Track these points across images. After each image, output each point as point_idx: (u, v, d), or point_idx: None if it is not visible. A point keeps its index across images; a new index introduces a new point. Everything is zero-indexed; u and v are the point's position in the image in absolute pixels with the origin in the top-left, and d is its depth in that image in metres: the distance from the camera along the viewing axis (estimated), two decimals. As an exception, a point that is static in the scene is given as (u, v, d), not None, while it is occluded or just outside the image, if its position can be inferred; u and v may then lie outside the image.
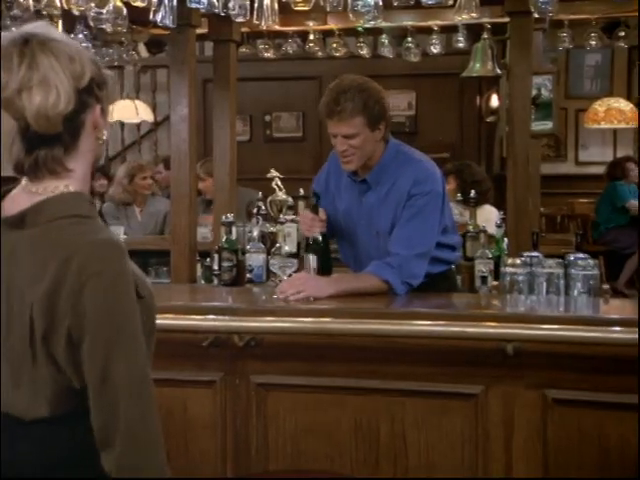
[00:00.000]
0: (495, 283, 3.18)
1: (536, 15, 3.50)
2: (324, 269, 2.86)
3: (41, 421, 1.40)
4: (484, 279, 3.21)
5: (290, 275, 2.89)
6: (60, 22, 4.05)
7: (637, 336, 2.19)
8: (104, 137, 1.50)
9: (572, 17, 4.59)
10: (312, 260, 2.84)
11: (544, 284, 2.84)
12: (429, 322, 2.40)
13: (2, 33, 1.42)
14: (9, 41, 1.39)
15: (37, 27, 1.42)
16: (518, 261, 2.88)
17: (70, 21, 4.19)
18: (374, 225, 2.82)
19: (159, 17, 3.49)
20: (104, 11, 3.60)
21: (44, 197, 1.42)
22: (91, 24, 3.76)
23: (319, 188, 2.99)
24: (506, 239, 3.61)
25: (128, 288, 1.37)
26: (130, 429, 1.35)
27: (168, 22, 3.47)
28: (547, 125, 4.28)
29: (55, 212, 1.41)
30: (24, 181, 1.46)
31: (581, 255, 2.95)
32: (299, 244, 3.32)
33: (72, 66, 1.40)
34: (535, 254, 2.93)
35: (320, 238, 2.87)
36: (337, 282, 2.70)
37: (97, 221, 1.45)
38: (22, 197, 1.44)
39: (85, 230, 1.40)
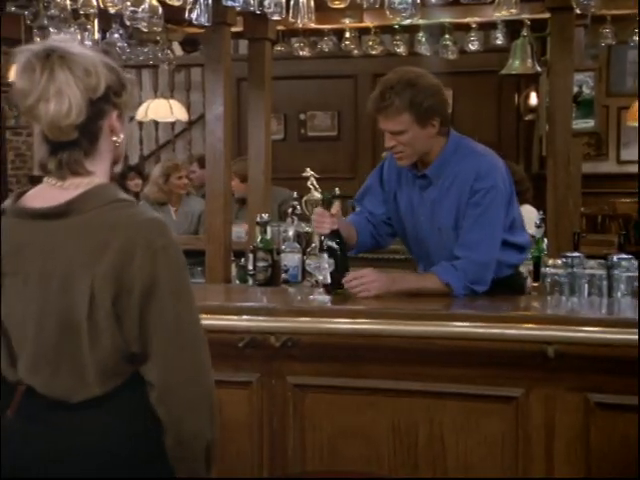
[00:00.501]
0: (535, 284, 3.16)
1: (577, 11, 3.47)
2: (339, 269, 2.75)
3: (90, 401, 1.56)
4: (524, 280, 3.18)
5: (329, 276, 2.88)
6: (96, 21, 4.10)
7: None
8: (120, 139, 1.67)
9: (614, 12, 4.53)
10: (326, 261, 2.75)
11: (586, 285, 2.82)
12: (468, 324, 2.40)
13: (28, 45, 1.61)
14: (33, 54, 1.57)
15: (59, 41, 1.60)
16: (559, 262, 2.86)
17: (106, 20, 4.24)
18: (436, 221, 2.77)
19: (194, 15, 3.52)
20: (139, 10, 3.65)
21: (84, 189, 1.59)
22: (127, 23, 3.80)
23: (373, 183, 2.96)
24: (546, 239, 3.59)
25: (184, 258, 1.62)
26: (197, 373, 1.58)
27: (203, 20, 3.50)
28: (588, 123, 4.24)
29: (101, 199, 1.59)
30: (47, 179, 1.63)
31: (624, 256, 2.92)
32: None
33: (87, 79, 1.57)
34: (576, 255, 2.91)
35: (334, 244, 2.76)
36: (399, 281, 2.72)
37: (138, 203, 1.67)
38: (52, 192, 1.61)
39: (135, 212, 1.61)
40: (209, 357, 1.62)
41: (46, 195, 1.62)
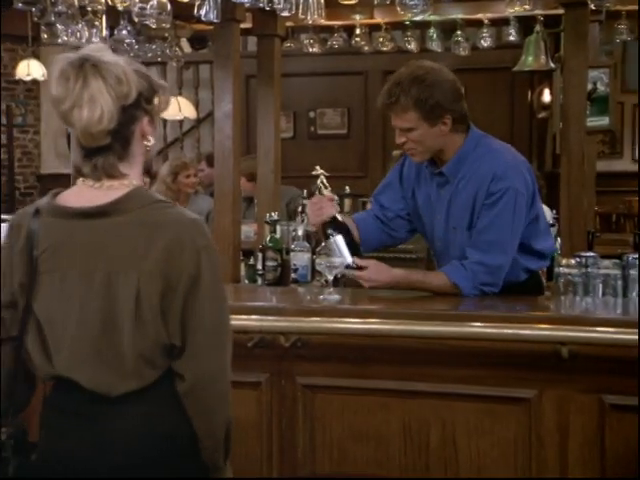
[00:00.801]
0: (548, 284, 3.15)
1: (592, 6, 3.46)
2: (353, 251, 2.72)
3: (128, 395, 1.66)
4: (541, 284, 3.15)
5: (337, 275, 2.88)
6: (104, 18, 4.11)
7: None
8: (151, 143, 1.77)
9: (629, 8, 4.51)
10: (339, 241, 2.69)
11: (600, 285, 2.80)
12: (480, 324, 2.39)
13: (63, 54, 1.71)
14: (68, 63, 1.68)
15: (93, 50, 1.70)
16: (573, 262, 2.85)
17: (114, 16, 4.25)
18: (451, 220, 2.74)
19: (203, 12, 3.52)
20: (148, 6, 3.65)
21: (126, 190, 1.70)
22: (135, 19, 3.81)
23: (393, 179, 2.95)
24: (559, 239, 3.57)
25: (218, 256, 1.76)
26: (224, 370, 1.72)
27: (212, 17, 3.51)
28: (603, 121, 4.23)
29: (143, 200, 1.71)
30: (84, 181, 1.73)
31: (640, 255, 2.91)
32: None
33: (119, 87, 1.66)
34: (591, 254, 2.89)
35: (338, 216, 2.73)
36: (405, 275, 2.72)
37: (175, 204, 1.79)
38: (89, 193, 1.71)
39: (178, 212, 1.73)
40: (231, 355, 1.74)
41: (84, 195, 1.71)
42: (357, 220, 2.97)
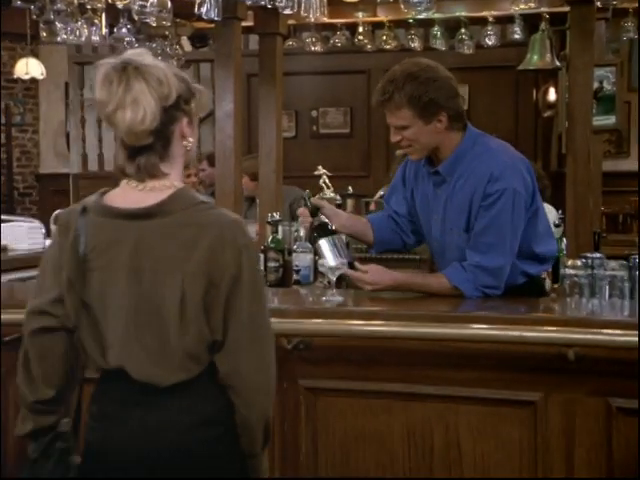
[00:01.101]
0: (554, 286, 3.15)
1: (598, 4, 3.46)
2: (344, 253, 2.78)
3: (176, 385, 1.77)
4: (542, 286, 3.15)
5: (340, 277, 2.89)
6: (103, 16, 4.12)
7: None
8: (190, 144, 1.87)
9: (636, 5, 4.51)
10: (322, 244, 2.78)
11: (607, 287, 2.79)
12: (485, 326, 2.39)
13: (105, 60, 1.80)
14: (110, 67, 1.77)
15: (134, 54, 1.80)
16: (579, 263, 2.84)
17: (113, 14, 4.25)
18: (447, 221, 2.73)
19: (204, 10, 3.53)
20: (148, 4, 3.66)
21: (170, 192, 1.80)
22: (135, 17, 3.82)
23: (397, 181, 2.95)
24: (565, 240, 3.57)
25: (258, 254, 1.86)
26: (264, 363, 1.84)
27: (213, 15, 3.52)
28: (609, 120, 4.22)
29: (187, 201, 1.81)
30: (127, 182, 1.83)
31: (646, 256, 2.90)
32: (348, 244, 3.29)
33: (160, 88, 1.77)
34: (597, 255, 2.88)
35: (324, 220, 2.83)
36: (404, 278, 2.72)
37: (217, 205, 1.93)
38: (134, 194, 1.81)
39: (220, 213, 1.84)
40: (274, 349, 1.86)
41: (130, 197, 1.81)
42: (371, 220, 2.99)
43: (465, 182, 2.68)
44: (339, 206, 3.51)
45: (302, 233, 3.41)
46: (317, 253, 2.85)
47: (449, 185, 2.72)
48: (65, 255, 1.81)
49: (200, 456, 1.79)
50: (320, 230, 2.82)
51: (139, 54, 1.81)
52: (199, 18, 3.80)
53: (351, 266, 2.74)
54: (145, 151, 1.80)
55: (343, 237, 2.86)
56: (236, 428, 1.84)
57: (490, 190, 2.61)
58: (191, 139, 1.87)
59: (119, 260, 1.78)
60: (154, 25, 3.87)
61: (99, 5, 3.86)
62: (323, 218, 2.87)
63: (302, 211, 2.90)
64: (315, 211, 2.88)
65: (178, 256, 1.76)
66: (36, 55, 7.96)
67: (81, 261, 1.79)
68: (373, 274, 2.69)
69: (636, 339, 2.26)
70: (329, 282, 2.89)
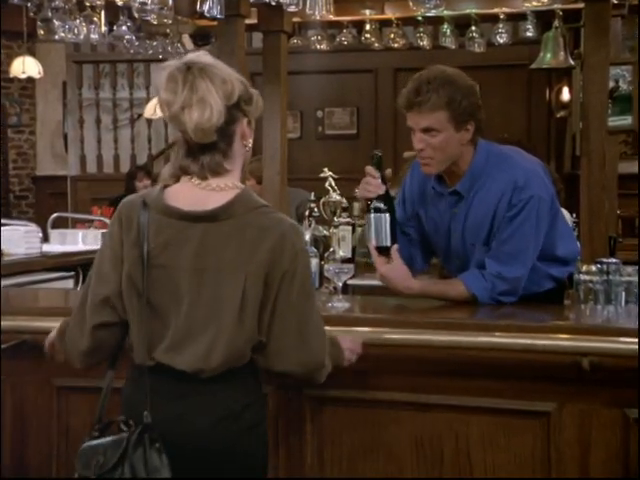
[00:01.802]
0: (568, 292, 3.14)
1: (614, 0, 3.46)
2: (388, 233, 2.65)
3: (215, 377, 1.90)
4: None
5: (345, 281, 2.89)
6: (103, 13, 4.13)
7: None
8: (249, 144, 1.98)
9: (653, 2, 4.52)
10: (373, 219, 2.62)
11: (623, 293, 2.80)
12: (497, 333, 2.38)
13: (168, 62, 1.91)
14: (175, 68, 1.88)
15: (197, 56, 1.92)
16: (593, 268, 2.84)
17: (113, 12, 4.27)
18: (467, 236, 2.71)
19: (206, 7, 3.55)
20: (148, 1, 3.67)
21: (232, 194, 1.91)
22: (135, 15, 3.83)
23: (399, 199, 2.89)
24: (579, 244, 3.57)
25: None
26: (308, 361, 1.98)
27: (216, 12, 3.53)
28: (626, 120, 4.21)
29: (248, 205, 1.92)
30: (190, 179, 1.93)
31: (664, 262, 2.90)
32: (354, 248, 3.30)
33: (224, 87, 1.88)
34: (613, 261, 2.88)
35: (382, 204, 2.64)
36: (423, 288, 2.69)
37: (275, 209, 2.01)
38: (196, 192, 1.92)
39: (280, 217, 1.95)
40: (324, 342, 2.01)
41: (191, 195, 1.92)
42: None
43: (486, 194, 2.66)
44: (345, 210, 3.51)
45: (307, 237, 3.42)
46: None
47: (467, 201, 2.70)
48: (127, 250, 1.92)
49: (224, 449, 1.92)
50: (380, 201, 2.64)
51: (200, 55, 1.92)
52: (201, 15, 3.81)
53: (387, 250, 2.65)
54: (209, 149, 1.91)
55: (389, 218, 2.66)
56: (263, 422, 2.00)
57: (515, 200, 2.60)
58: (250, 140, 1.98)
59: (182, 259, 1.89)
60: (155, 23, 3.89)
61: (98, 2, 3.88)
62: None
63: (370, 170, 2.68)
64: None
65: (241, 257, 1.88)
66: (33, 53, 7.99)
67: (144, 257, 1.89)
68: (394, 271, 2.64)
69: (653, 347, 2.26)
70: (335, 288, 2.90)
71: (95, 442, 1.94)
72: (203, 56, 1.92)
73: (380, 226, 2.65)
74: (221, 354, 1.89)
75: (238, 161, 1.97)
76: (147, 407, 1.91)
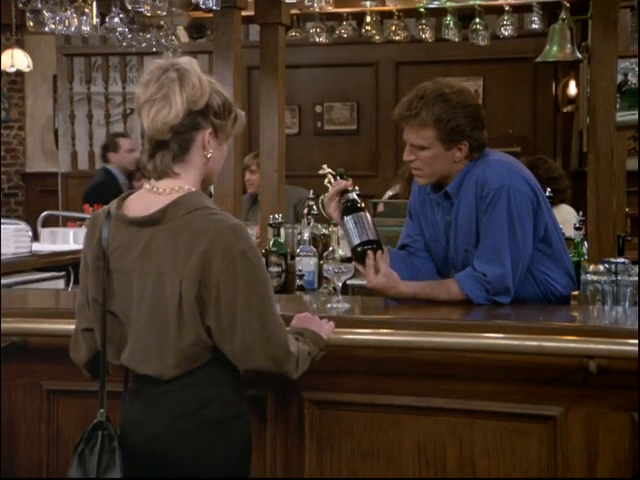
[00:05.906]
0: (574, 293, 3.15)
1: (623, -9, 3.47)
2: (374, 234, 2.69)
3: (177, 378, 2.00)
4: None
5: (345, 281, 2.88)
6: (94, 4, 4.13)
7: None
8: (210, 154, 2.04)
9: (663, -7, 4.52)
10: (347, 222, 2.66)
11: (631, 294, 2.80)
12: (502, 335, 2.39)
13: (156, 60, 2.03)
14: (157, 66, 2.01)
15: (187, 62, 2.02)
16: (601, 268, 2.85)
17: (105, 3, 4.27)
18: (461, 243, 2.74)
19: (202, -1, 3.55)
20: (142, -8, 3.67)
21: (175, 196, 1.99)
22: (128, 6, 3.83)
23: (409, 211, 2.92)
24: (586, 243, 3.57)
25: (261, 258, 2.06)
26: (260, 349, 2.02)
27: (211, 4, 3.54)
28: (634, 115, 4.21)
29: (188, 207, 1.98)
30: (147, 184, 2.05)
31: (674, 261, 2.90)
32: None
33: (192, 91, 1.97)
34: (621, 260, 2.89)
35: (354, 195, 2.68)
36: (414, 293, 2.71)
37: (221, 210, 2.04)
38: (149, 198, 2.02)
39: (219, 218, 1.98)
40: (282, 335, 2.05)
41: (144, 201, 2.04)
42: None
43: (466, 194, 2.70)
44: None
45: (306, 236, 3.42)
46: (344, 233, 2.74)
47: (456, 206, 2.74)
48: (90, 258, 2.08)
49: (180, 447, 2.01)
50: (348, 209, 2.69)
51: (191, 62, 2.03)
52: (196, 7, 3.82)
53: (378, 244, 2.68)
54: (161, 148, 2.01)
55: (369, 215, 2.72)
56: (233, 419, 2.06)
57: (485, 192, 2.63)
58: (212, 151, 2.04)
59: (132, 263, 2.01)
60: (148, 15, 3.88)
61: (90, -7, 3.87)
62: (351, 195, 2.72)
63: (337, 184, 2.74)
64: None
65: (177, 261, 1.96)
66: (22, 46, 7.99)
67: (105, 263, 2.03)
68: (385, 281, 2.67)
69: (663, 350, 2.27)
70: (334, 288, 2.90)
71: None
72: (192, 64, 2.03)
73: (360, 222, 2.65)
74: (172, 358, 1.99)
75: (194, 169, 2.04)
76: (103, 405, 2.06)
